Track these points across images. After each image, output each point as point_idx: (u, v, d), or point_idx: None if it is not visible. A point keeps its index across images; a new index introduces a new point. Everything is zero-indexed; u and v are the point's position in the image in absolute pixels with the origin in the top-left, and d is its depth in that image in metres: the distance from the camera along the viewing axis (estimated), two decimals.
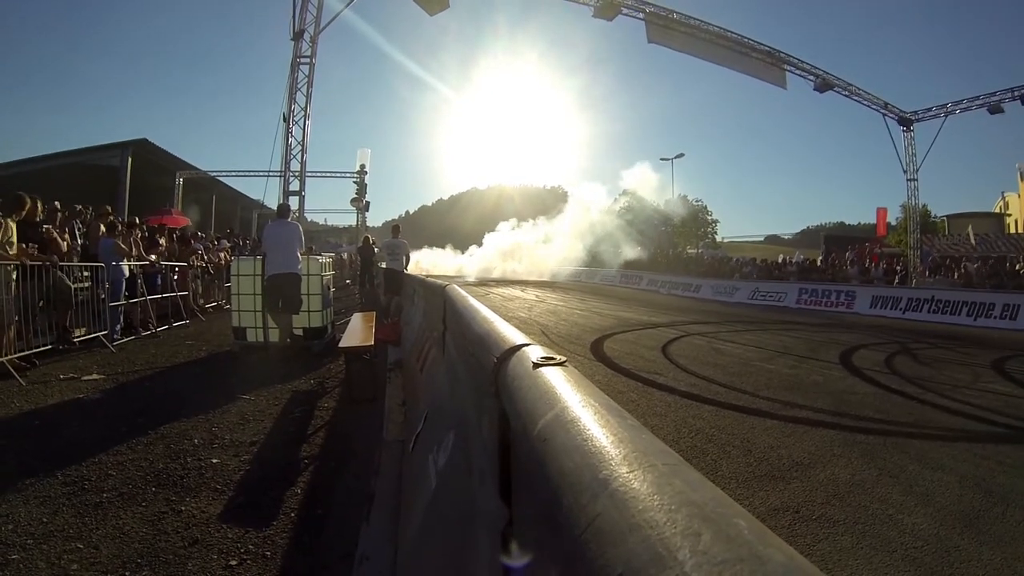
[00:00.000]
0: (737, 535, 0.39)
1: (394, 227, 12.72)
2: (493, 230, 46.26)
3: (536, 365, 0.92)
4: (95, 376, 5.78)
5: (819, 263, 27.51)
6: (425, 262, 36.95)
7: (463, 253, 44.44)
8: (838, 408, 5.16)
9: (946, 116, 22.89)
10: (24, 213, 6.62)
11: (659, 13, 20.77)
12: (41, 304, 6.59)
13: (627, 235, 36.03)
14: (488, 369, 1.13)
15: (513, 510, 0.93)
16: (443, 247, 45.95)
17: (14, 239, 6.21)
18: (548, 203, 54.89)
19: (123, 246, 8.38)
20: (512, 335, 1.24)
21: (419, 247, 44.32)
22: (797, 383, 6.22)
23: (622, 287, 28.58)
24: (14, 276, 6.00)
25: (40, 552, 2.43)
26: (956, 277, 20.66)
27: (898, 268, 24.08)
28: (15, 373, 5.46)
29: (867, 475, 3.56)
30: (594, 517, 0.47)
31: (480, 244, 45.03)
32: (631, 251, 34.54)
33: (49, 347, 6.59)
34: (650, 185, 39.11)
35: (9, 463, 3.43)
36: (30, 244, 6.64)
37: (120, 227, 8.87)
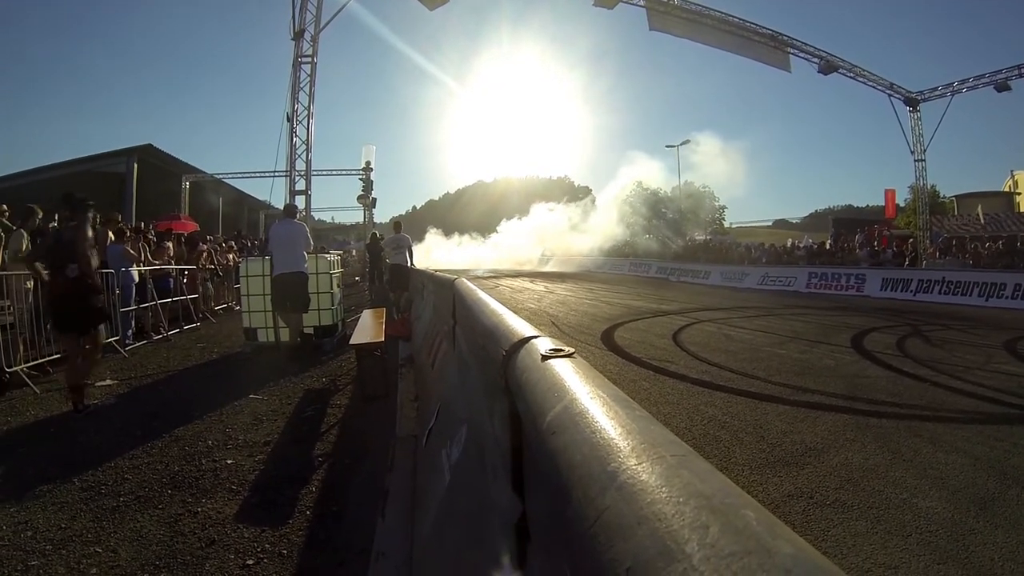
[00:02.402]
0: (745, 527, 0.39)
1: (396, 223, 12.71)
2: (501, 221, 46.46)
3: (545, 357, 0.92)
4: (108, 382, 5.84)
5: (828, 246, 27.27)
6: (436, 254, 36.96)
7: (485, 239, 44.56)
8: (850, 392, 5.13)
9: (952, 95, 22.55)
10: (36, 224, 6.70)
11: (659, 0, 20.60)
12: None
13: (642, 227, 36.11)
14: (497, 362, 1.13)
15: (526, 503, 0.93)
16: (469, 235, 45.99)
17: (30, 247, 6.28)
18: (554, 195, 54.83)
19: (132, 252, 8.44)
20: (520, 327, 1.24)
21: (448, 234, 44.65)
22: (809, 368, 6.19)
23: (631, 275, 28.51)
24: (28, 285, 6.06)
25: (59, 557, 2.47)
26: (966, 257, 20.43)
27: (908, 250, 23.83)
28: (29, 381, 5.52)
29: (881, 459, 3.54)
30: (603, 510, 0.47)
31: (495, 233, 45.17)
32: (643, 241, 34.57)
33: (59, 356, 6.64)
34: (715, 159, 39.75)
35: (26, 470, 3.48)
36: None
37: (128, 233, 8.93)
